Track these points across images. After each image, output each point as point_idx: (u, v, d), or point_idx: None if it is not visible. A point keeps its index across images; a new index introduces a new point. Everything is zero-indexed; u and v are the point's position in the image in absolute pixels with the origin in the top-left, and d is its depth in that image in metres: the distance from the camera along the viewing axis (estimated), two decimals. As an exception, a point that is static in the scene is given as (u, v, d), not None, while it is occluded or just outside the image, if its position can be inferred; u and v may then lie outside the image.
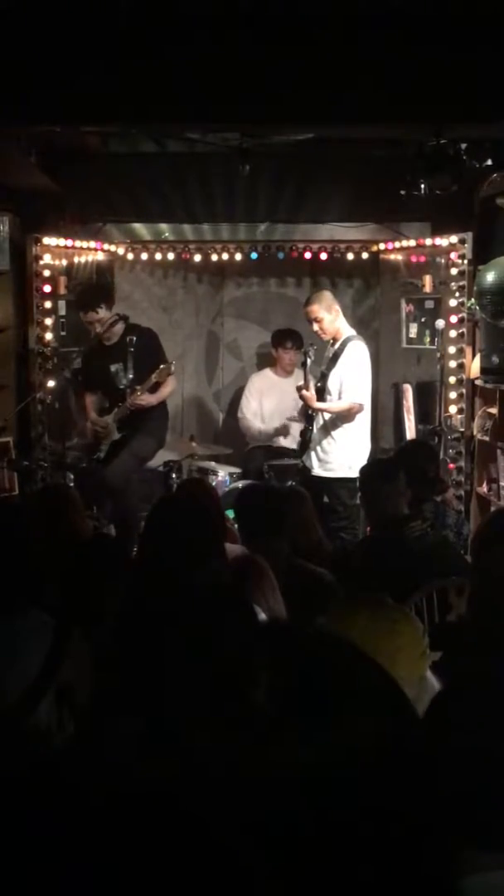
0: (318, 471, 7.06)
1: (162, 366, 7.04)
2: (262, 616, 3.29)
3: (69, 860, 0.67)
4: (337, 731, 0.72)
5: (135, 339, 7.06)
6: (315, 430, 7.11)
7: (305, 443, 7.24)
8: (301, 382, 7.20)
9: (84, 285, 7.81)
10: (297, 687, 0.75)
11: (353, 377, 6.95)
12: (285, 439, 8.25)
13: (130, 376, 7.02)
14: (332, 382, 7.00)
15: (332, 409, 6.98)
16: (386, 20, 4.81)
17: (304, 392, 7.04)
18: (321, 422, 7.07)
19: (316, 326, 7.08)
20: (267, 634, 0.89)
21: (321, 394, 7.05)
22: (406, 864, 0.71)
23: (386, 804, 0.72)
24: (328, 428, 7.03)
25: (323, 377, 7.09)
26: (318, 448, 7.07)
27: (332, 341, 7.10)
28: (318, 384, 7.10)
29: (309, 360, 7.21)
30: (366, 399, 7.06)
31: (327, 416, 7.03)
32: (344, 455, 6.88)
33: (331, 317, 7.01)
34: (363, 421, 7.09)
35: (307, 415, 7.20)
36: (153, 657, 1.73)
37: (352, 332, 7.18)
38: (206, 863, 0.66)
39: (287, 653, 0.79)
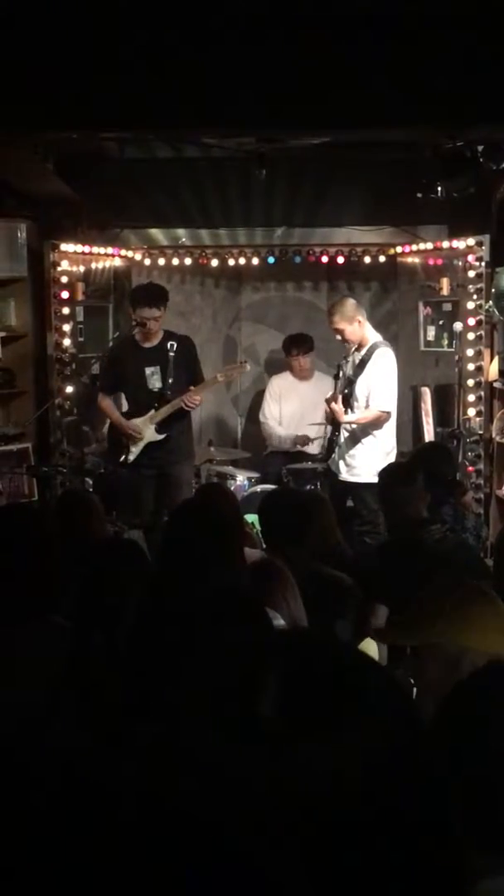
0: (345, 475, 7.05)
1: (234, 364, 7.19)
2: (281, 621, 3.29)
3: (81, 862, 0.67)
4: (345, 740, 0.72)
5: (175, 344, 7.06)
6: (342, 435, 7.10)
7: (332, 448, 7.22)
8: (330, 393, 7.19)
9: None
10: (305, 695, 0.75)
11: (380, 385, 6.93)
12: (304, 446, 8.23)
13: (170, 381, 7.02)
14: (360, 389, 6.98)
15: (360, 421, 6.97)
16: (402, 22, 4.81)
17: (332, 405, 7.02)
18: (349, 428, 7.06)
19: (338, 336, 7.07)
20: (277, 642, 0.89)
21: (347, 400, 7.04)
22: (418, 871, 0.71)
23: (397, 812, 0.72)
24: (356, 434, 7.02)
25: (350, 383, 7.06)
26: (346, 453, 7.06)
27: (357, 347, 7.08)
28: (346, 391, 7.08)
29: (342, 373, 7.17)
30: (392, 406, 7.04)
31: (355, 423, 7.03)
32: (371, 460, 6.85)
33: (352, 327, 6.97)
34: (390, 427, 7.08)
35: (334, 420, 7.17)
36: (169, 662, 1.74)
37: (378, 337, 7.15)
38: (214, 869, 0.66)
39: (295, 661, 0.79)
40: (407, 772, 0.73)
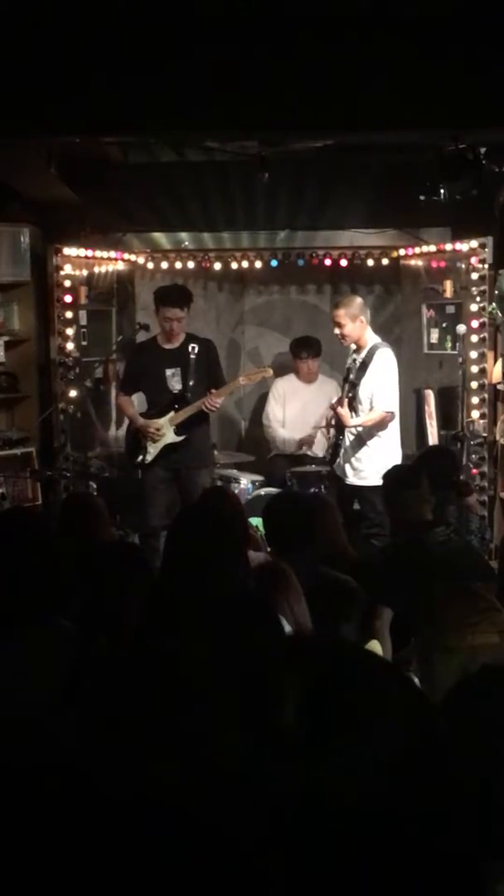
0: (351, 479, 7.04)
1: (257, 369, 7.50)
2: (287, 625, 3.28)
3: (81, 863, 0.67)
4: (364, 746, 0.72)
5: (197, 347, 7.07)
6: (347, 439, 7.09)
7: (336, 452, 7.20)
8: (335, 398, 7.18)
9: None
10: (323, 703, 0.74)
11: (383, 386, 6.92)
12: (309, 449, 8.22)
13: (191, 383, 7.02)
14: (363, 392, 6.97)
15: (366, 423, 6.96)
16: (404, 23, 4.81)
17: (339, 409, 7.01)
18: (354, 431, 7.05)
19: (337, 330, 7.06)
20: (291, 648, 0.88)
21: (352, 403, 7.03)
22: (435, 875, 0.71)
23: (415, 818, 0.71)
24: (361, 437, 7.01)
25: (353, 386, 7.05)
26: (352, 457, 7.04)
27: (358, 349, 7.07)
28: (349, 394, 7.07)
29: (352, 376, 7.15)
30: (396, 407, 7.04)
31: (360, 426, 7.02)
32: (377, 463, 6.82)
33: (353, 325, 6.96)
34: (394, 428, 7.07)
35: (338, 423, 7.16)
36: (176, 667, 1.73)
37: (377, 339, 7.14)
38: (217, 872, 0.66)
39: (312, 668, 0.78)
40: (426, 775, 0.73)
